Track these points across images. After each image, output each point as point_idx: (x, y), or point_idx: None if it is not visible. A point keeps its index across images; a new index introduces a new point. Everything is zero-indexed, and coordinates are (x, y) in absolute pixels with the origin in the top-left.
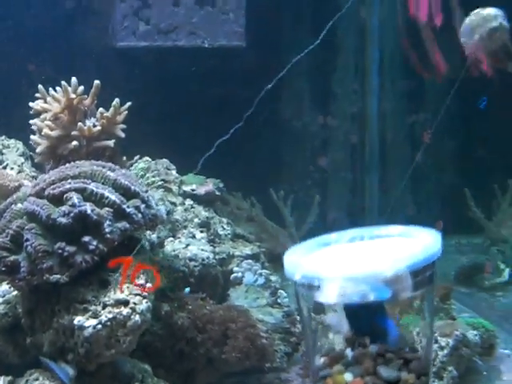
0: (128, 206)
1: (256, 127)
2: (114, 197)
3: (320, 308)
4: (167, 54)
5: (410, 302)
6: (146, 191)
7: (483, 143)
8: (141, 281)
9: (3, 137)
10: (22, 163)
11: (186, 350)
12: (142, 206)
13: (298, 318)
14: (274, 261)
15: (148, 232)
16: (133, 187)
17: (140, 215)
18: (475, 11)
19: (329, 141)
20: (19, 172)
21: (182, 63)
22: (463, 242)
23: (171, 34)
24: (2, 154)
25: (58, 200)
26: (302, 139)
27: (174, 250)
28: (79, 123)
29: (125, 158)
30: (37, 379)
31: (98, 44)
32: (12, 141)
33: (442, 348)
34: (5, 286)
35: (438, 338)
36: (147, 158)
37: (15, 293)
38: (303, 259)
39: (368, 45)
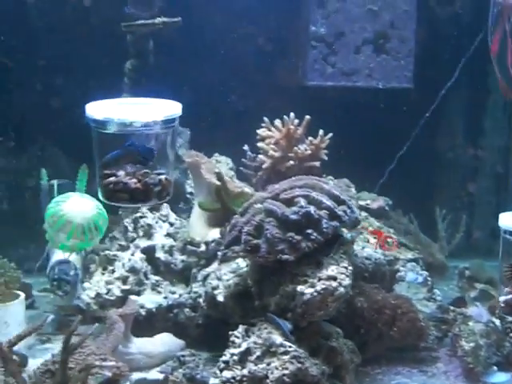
0: (338, 210)
1: (418, 158)
2: (329, 202)
3: None
4: (348, 92)
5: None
6: (350, 200)
7: None
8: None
9: (216, 154)
10: (232, 176)
11: (363, 325)
12: (348, 210)
13: None
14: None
15: (344, 230)
16: (341, 196)
17: (346, 217)
18: None
19: (477, 170)
20: None
21: (359, 100)
22: None
23: (352, 77)
24: None
25: (289, 202)
26: (455, 168)
27: (354, 251)
28: (294, 147)
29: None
30: (266, 328)
31: (290, 82)
32: (223, 157)
33: None
34: (235, 264)
35: None
36: (331, 177)
37: (245, 269)
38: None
39: None
